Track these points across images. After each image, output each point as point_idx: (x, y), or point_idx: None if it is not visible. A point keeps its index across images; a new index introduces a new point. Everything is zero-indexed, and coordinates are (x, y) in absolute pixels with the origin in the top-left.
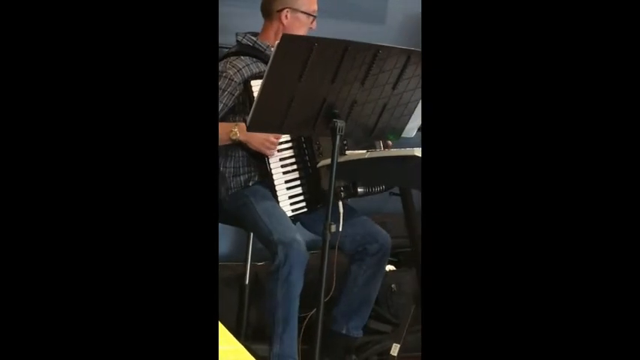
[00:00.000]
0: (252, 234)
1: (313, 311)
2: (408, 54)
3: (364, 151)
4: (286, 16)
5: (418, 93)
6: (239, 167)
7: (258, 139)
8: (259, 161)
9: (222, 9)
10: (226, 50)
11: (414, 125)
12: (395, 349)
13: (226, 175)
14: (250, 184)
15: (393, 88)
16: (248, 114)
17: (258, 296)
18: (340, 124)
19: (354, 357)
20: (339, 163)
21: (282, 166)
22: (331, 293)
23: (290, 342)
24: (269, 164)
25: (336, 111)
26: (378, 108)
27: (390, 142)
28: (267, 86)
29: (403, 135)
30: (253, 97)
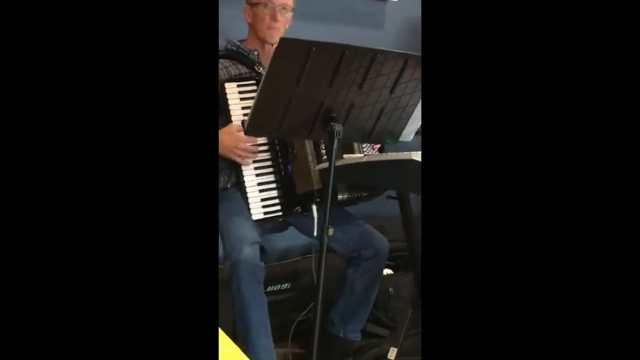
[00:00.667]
0: None
1: (304, 312)
2: (406, 58)
3: (361, 155)
4: (248, 14)
5: (416, 97)
6: (220, 170)
7: (226, 146)
8: (235, 164)
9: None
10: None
11: (411, 129)
12: (392, 353)
13: None
14: (228, 186)
15: (391, 91)
16: (223, 115)
17: None
18: (338, 127)
19: None
20: (336, 167)
21: (256, 169)
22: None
23: (260, 353)
24: (241, 167)
25: (334, 115)
26: (375, 112)
27: (376, 146)
28: (264, 90)
29: (401, 139)
30: (227, 99)
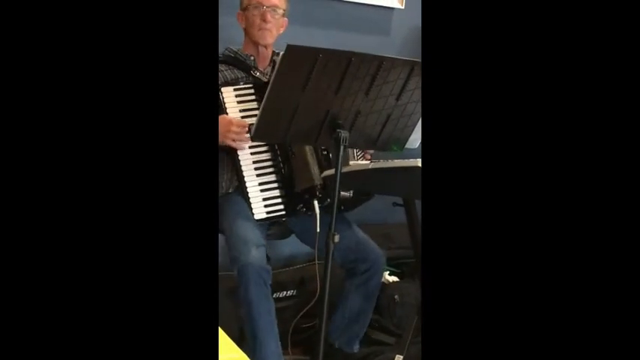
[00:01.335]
0: None
1: (299, 316)
2: (412, 65)
3: (367, 162)
4: (241, 19)
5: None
6: (221, 175)
7: (220, 134)
8: (235, 167)
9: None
10: None
11: (417, 136)
12: None
13: None
14: (230, 190)
15: (397, 99)
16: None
17: None
18: (344, 134)
19: None
20: (342, 174)
21: (256, 169)
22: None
23: (269, 358)
24: (240, 167)
25: (340, 121)
26: (381, 119)
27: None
28: (271, 96)
29: (407, 146)
30: (224, 103)
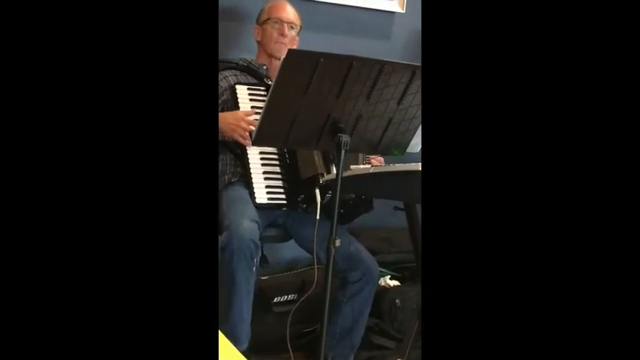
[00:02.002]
0: None
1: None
2: (413, 69)
3: (369, 166)
4: (257, 32)
5: None
6: (225, 167)
7: (228, 125)
8: (243, 160)
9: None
10: None
11: (418, 140)
12: None
13: None
14: (233, 180)
15: (398, 103)
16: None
17: (262, 311)
18: (345, 138)
19: None
20: (343, 178)
21: (262, 159)
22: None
23: (236, 326)
24: (247, 157)
25: (342, 125)
26: (383, 123)
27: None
28: (272, 100)
29: (408, 150)
30: (237, 99)
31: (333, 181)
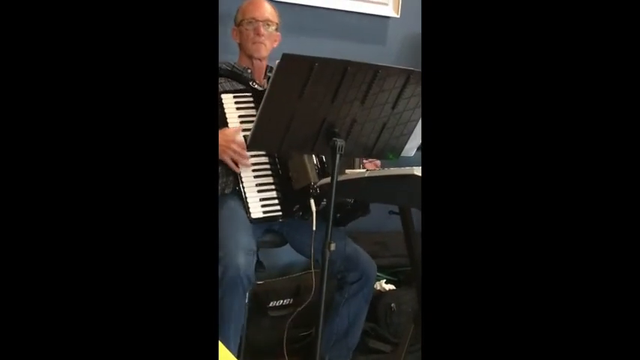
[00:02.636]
0: None
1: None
2: (408, 74)
3: (364, 170)
4: (236, 34)
5: (417, 112)
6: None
7: (220, 147)
8: (232, 170)
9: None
10: None
11: (413, 144)
12: None
13: None
14: (226, 192)
15: (393, 107)
16: (221, 124)
17: (258, 316)
18: (340, 143)
19: None
20: (338, 182)
21: (254, 170)
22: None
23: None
24: (239, 173)
25: (336, 130)
26: (377, 127)
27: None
28: (267, 105)
29: (402, 154)
30: (224, 110)
31: (328, 186)
